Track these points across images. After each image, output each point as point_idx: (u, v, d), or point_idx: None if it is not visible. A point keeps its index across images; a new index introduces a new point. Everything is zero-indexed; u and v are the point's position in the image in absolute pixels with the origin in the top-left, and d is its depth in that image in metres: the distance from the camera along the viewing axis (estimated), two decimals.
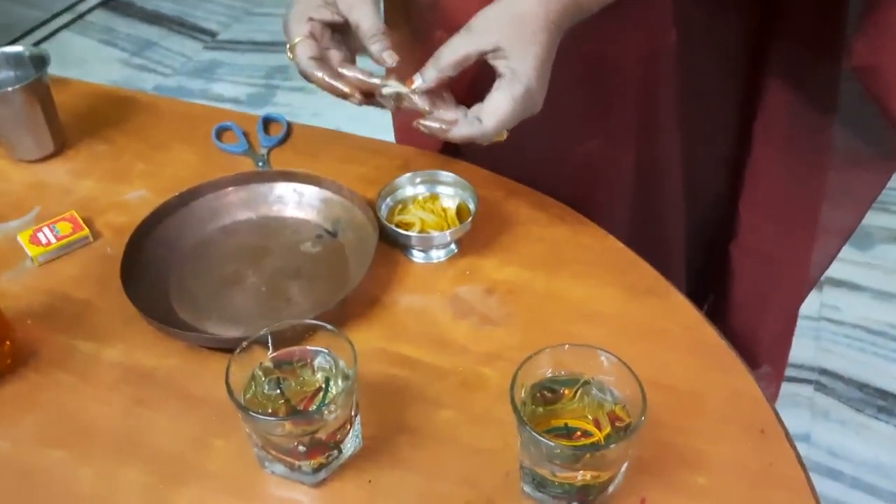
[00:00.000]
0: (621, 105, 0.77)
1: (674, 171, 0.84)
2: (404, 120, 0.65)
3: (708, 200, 0.91)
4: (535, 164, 0.80)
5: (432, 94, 0.64)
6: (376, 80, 0.65)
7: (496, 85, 0.61)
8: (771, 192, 0.86)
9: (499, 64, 0.60)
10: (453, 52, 0.61)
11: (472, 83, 0.64)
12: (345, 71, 0.66)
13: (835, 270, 1.73)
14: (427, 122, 0.63)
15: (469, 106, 0.64)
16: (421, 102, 0.63)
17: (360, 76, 0.65)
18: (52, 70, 0.84)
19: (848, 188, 0.86)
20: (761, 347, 0.93)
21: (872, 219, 1.81)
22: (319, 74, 0.65)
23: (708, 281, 0.95)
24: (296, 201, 0.79)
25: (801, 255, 0.90)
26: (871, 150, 0.83)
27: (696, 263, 0.93)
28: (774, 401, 0.87)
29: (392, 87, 0.64)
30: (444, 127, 0.63)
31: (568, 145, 0.80)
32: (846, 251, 1.77)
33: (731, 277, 0.90)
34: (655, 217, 0.86)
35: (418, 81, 0.63)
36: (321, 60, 0.65)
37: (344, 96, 0.65)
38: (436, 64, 0.62)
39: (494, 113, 0.61)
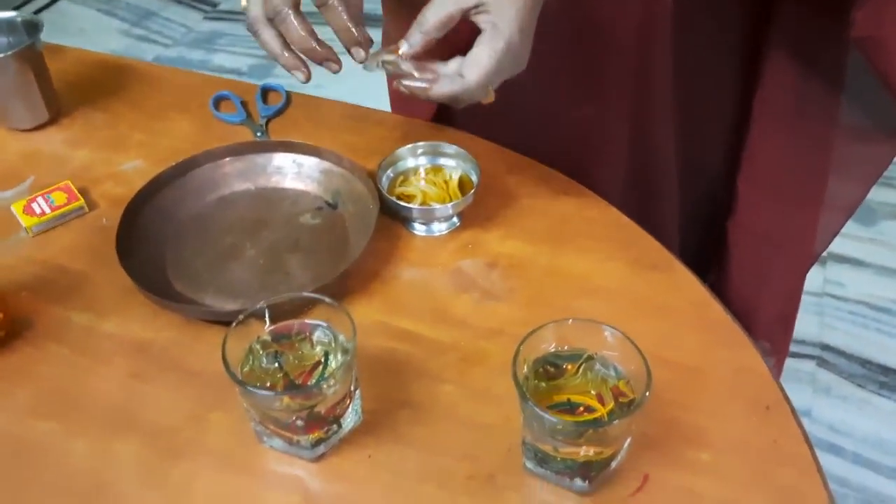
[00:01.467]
0: (615, 71, 0.75)
1: (668, 142, 0.82)
2: (398, 88, 0.63)
3: (705, 175, 0.89)
4: (528, 128, 0.79)
5: (420, 59, 0.62)
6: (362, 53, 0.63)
7: (478, 40, 0.59)
8: (771, 168, 0.84)
9: (480, 20, 0.59)
10: (436, 13, 0.59)
11: (467, 48, 0.62)
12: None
13: (838, 246, 1.72)
14: (408, 83, 0.61)
15: None
16: (408, 68, 0.61)
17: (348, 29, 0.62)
18: (51, 40, 0.82)
19: (853, 164, 0.84)
20: (760, 326, 0.91)
21: (876, 195, 1.80)
22: (296, 26, 0.61)
23: (704, 259, 0.94)
24: (295, 172, 0.77)
25: (803, 233, 0.88)
26: (877, 125, 0.81)
27: (692, 240, 0.92)
28: (777, 379, 0.85)
29: (379, 55, 0.62)
30: (425, 85, 0.61)
31: (561, 110, 0.78)
32: (850, 227, 1.75)
33: (728, 255, 0.89)
34: (649, 190, 0.85)
35: (404, 47, 0.61)
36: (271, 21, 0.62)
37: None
38: (420, 27, 0.60)
39: (475, 66, 0.59)
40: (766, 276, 0.88)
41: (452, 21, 0.60)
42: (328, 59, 0.63)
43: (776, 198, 0.84)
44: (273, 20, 0.62)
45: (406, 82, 0.62)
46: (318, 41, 0.62)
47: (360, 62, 0.63)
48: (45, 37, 0.82)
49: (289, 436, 0.55)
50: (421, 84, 0.61)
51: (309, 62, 0.64)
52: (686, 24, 0.72)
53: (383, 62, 0.62)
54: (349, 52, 0.63)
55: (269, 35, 0.62)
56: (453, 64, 0.61)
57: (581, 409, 0.53)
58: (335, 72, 0.63)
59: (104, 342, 0.64)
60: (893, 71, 0.67)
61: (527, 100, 0.75)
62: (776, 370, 1.03)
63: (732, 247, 0.87)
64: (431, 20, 0.60)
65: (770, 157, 0.82)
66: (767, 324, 0.92)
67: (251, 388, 0.52)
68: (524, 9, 0.58)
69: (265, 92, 0.89)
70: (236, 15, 2.61)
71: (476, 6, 0.58)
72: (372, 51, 0.63)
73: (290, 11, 0.61)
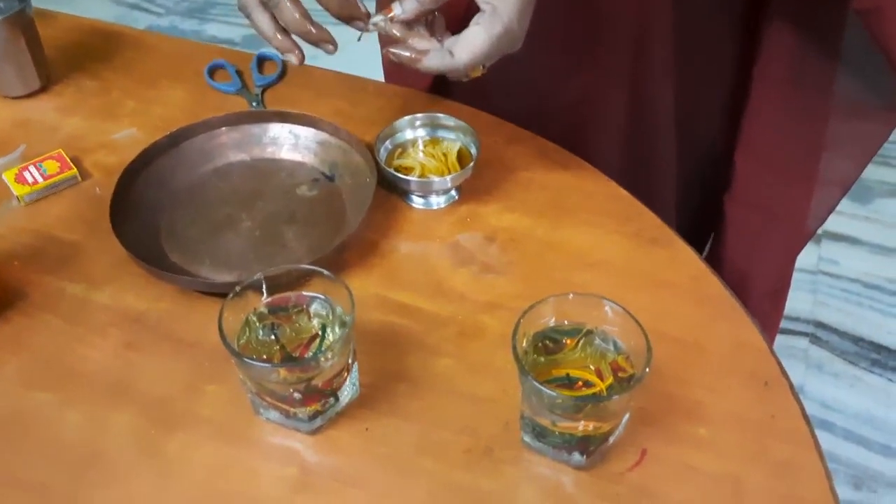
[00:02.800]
0: (613, 39, 0.75)
1: (666, 112, 0.81)
2: (388, 55, 0.62)
3: (703, 148, 0.89)
4: (526, 98, 0.78)
5: (410, 25, 0.61)
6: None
7: (475, 19, 0.58)
8: (768, 141, 0.83)
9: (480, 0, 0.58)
10: None
11: (465, 19, 0.61)
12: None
13: (834, 224, 1.72)
14: (397, 50, 0.61)
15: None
16: (396, 31, 0.61)
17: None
18: (41, 6, 0.80)
19: (849, 139, 0.84)
20: (752, 300, 0.91)
21: (872, 173, 1.80)
22: (290, 9, 0.60)
23: (701, 232, 0.94)
24: (291, 143, 0.76)
25: (798, 207, 0.87)
26: (874, 100, 0.80)
27: (689, 213, 0.91)
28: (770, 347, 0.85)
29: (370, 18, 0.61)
30: (414, 56, 0.60)
31: (559, 79, 0.78)
32: (846, 205, 1.76)
33: (724, 229, 0.88)
34: (647, 162, 0.84)
35: (397, 9, 0.60)
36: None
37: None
38: None
39: (468, 47, 0.58)
40: (761, 250, 0.88)
41: None
42: (323, 40, 0.62)
43: (772, 172, 0.84)
44: (267, 3, 0.61)
45: (395, 50, 0.61)
46: (313, 23, 0.61)
47: (360, 32, 0.62)
48: (35, 3, 0.81)
49: (286, 408, 0.54)
50: (410, 55, 0.60)
51: (302, 43, 0.63)
52: None
53: (373, 24, 0.61)
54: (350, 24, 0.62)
55: (261, 17, 0.61)
56: (446, 39, 0.60)
57: (580, 383, 0.53)
58: (331, 53, 0.63)
59: (98, 313, 0.64)
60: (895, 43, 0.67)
61: (524, 69, 0.74)
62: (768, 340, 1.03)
63: (728, 220, 0.87)
64: None
65: (767, 131, 0.82)
66: (759, 298, 0.92)
67: (248, 360, 0.51)
68: None
69: (261, 61, 0.87)
70: None
71: None
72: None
73: None
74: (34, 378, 0.60)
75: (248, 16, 0.62)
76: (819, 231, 1.71)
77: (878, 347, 1.52)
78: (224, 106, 0.81)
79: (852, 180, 0.89)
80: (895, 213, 1.75)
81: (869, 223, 1.73)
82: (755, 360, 0.60)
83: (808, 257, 1.67)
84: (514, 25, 0.57)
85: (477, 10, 0.58)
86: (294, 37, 0.62)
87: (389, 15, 0.60)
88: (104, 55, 0.88)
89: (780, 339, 1.53)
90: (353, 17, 0.61)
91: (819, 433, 1.49)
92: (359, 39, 0.63)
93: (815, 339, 1.54)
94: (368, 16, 0.62)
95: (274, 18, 0.61)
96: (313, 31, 0.61)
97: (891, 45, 0.67)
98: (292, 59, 0.63)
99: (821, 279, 1.64)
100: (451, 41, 0.60)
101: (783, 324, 1.55)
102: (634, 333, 0.51)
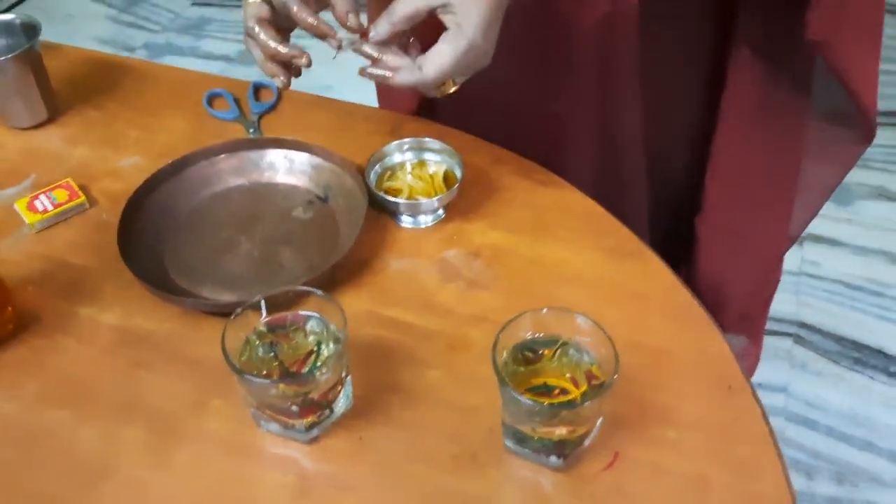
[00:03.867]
0: (580, 67, 0.78)
1: (634, 136, 0.84)
2: (362, 74, 0.68)
3: (673, 172, 0.91)
4: (504, 121, 0.82)
5: (384, 46, 0.66)
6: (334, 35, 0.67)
7: (441, 37, 0.64)
8: (738, 166, 0.85)
9: (446, 19, 0.63)
10: (405, 7, 0.64)
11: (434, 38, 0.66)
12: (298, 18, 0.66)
13: (816, 227, 1.77)
14: (372, 70, 0.66)
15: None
16: (370, 51, 0.66)
17: (311, 21, 0.66)
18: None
19: (819, 163, 0.85)
20: (730, 319, 0.92)
21: (852, 176, 1.81)
22: (263, 37, 0.66)
23: (673, 253, 0.94)
24: (287, 168, 0.81)
25: (771, 229, 0.89)
26: (841, 124, 0.81)
27: (661, 235, 0.93)
28: (751, 374, 0.85)
29: (346, 39, 0.67)
30: (387, 74, 0.66)
31: (533, 103, 0.82)
32: (827, 207, 1.78)
33: (697, 251, 0.90)
34: (618, 185, 0.87)
35: (372, 33, 0.65)
36: (268, 23, 0.67)
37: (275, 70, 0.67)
38: (389, 17, 0.64)
39: (434, 63, 0.64)
40: (734, 270, 0.90)
41: (419, 16, 0.64)
42: (293, 56, 0.67)
43: (743, 195, 0.86)
44: (251, 37, 0.67)
45: (369, 70, 0.67)
46: (283, 44, 0.66)
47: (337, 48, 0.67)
48: None
49: (284, 420, 0.59)
50: (382, 73, 0.66)
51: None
52: (652, 21, 0.75)
53: (347, 41, 0.67)
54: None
55: (255, 50, 0.68)
56: (417, 57, 0.65)
57: (557, 391, 0.57)
58: (305, 66, 0.67)
59: (108, 333, 0.68)
60: (847, 71, 0.70)
61: (501, 93, 0.79)
62: (751, 361, 1.04)
63: (701, 242, 0.89)
64: (399, 13, 0.64)
65: (737, 155, 0.84)
66: (738, 316, 0.94)
67: (249, 377, 0.56)
68: (488, 10, 0.62)
69: (257, 89, 0.92)
70: (224, 0, 2.62)
71: (443, 5, 0.62)
72: (343, 36, 0.67)
73: (254, 26, 0.66)
74: (50, 397, 0.64)
75: (248, 49, 0.68)
76: (802, 233, 1.75)
77: (860, 346, 1.57)
78: (223, 133, 0.85)
79: (826, 194, 0.91)
80: (875, 215, 1.79)
81: (850, 225, 1.78)
82: (720, 366, 0.64)
83: (791, 259, 1.70)
84: (478, 41, 0.62)
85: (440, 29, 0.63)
86: (282, 63, 0.67)
87: (366, 38, 0.66)
88: (107, 86, 0.92)
89: (765, 340, 1.57)
90: (325, 35, 0.66)
91: (803, 431, 1.53)
92: (334, 58, 0.69)
93: (798, 340, 1.58)
94: (335, 35, 0.67)
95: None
96: (281, 50, 0.66)
97: (845, 74, 0.70)
98: (276, 83, 0.68)
99: (804, 280, 1.68)
100: (420, 58, 0.65)
101: (768, 324, 1.59)
102: (604, 343, 0.56)
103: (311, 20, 0.65)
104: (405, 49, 0.67)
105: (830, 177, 0.89)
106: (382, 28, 0.65)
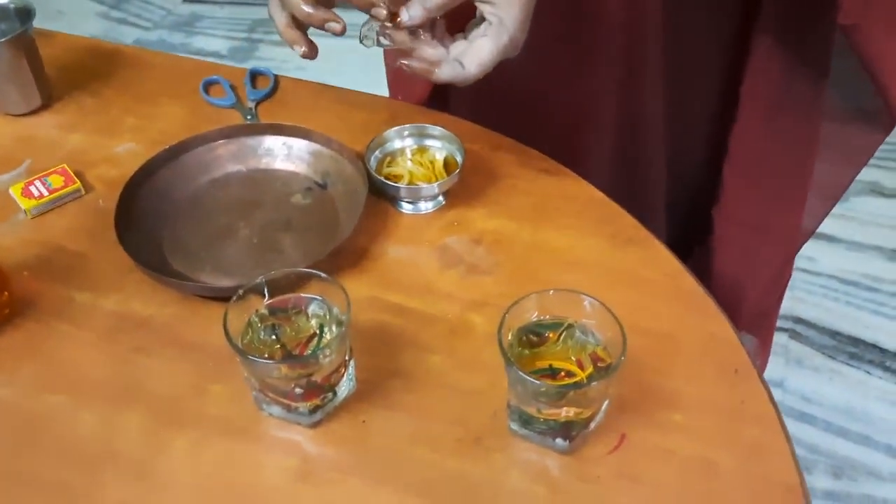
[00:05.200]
0: (604, 50, 0.78)
1: (656, 124, 0.84)
2: (398, 70, 0.66)
3: (692, 162, 0.90)
4: (520, 108, 0.81)
5: (415, 31, 0.64)
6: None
7: (482, 30, 0.62)
8: (756, 157, 0.85)
9: (485, 9, 0.62)
10: None
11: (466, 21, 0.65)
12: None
13: None
14: (412, 63, 0.64)
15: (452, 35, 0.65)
16: (400, 38, 0.64)
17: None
18: (34, 24, 0.84)
19: (837, 153, 0.85)
20: (744, 313, 0.92)
21: None
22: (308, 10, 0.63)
23: (689, 243, 0.94)
24: (285, 154, 0.80)
25: (788, 222, 0.89)
26: (859, 115, 0.81)
27: (678, 225, 0.93)
28: (762, 373, 0.85)
29: (368, 27, 0.65)
30: (428, 68, 0.64)
31: (551, 88, 0.81)
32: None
33: (713, 242, 0.90)
34: (636, 168, 0.87)
35: (404, 17, 0.63)
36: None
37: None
38: (423, 2, 0.62)
39: (478, 59, 0.62)
40: (751, 263, 0.89)
41: (455, 3, 0.62)
42: (327, 20, 0.64)
43: (761, 187, 0.86)
44: (284, 4, 0.65)
45: (407, 62, 0.64)
46: (316, 7, 0.64)
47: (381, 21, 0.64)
48: None
49: (287, 403, 0.58)
50: (422, 65, 0.64)
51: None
52: (677, 10, 0.74)
53: (380, 39, 0.64)
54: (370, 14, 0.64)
55: (279, 17, 0.66)
56: (454, 48, 0.64)
57: (562, 374, 0.56)
58: (338, 32, 0.65)
59: (106, 319, 0.67)
60: (878, 59, 0.70)
61: (522, 81, 0.77)
62: (763, 358, 1.03)
63: (717, 233, 0.88)
64: (434, 0, 0.62)
65: (755, 146, 0.83)
66: (751, 310, 0.93)
67: (252, 357, 0.55)
68: (527, 4, 0.61)
69: (254, 76, 0.91)
70: None
71: None
72: (365, 25, 0.65)
73: None
74: (48, 382, 0.63)
75: (270, 14, 0.67)
76: None
77: (856, 341, 1.57)
78: (220, 120, 0.84)
79: (842, 191, 0.90)
80: (870, 211, 1.80)
81: (845, 221, 1.78)
82: (725, 350, 0.64)
83: None
84: (517, 35, 0.61)
85: (474, 10, 0.62)
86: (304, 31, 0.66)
87: (397, 21, 0.63)
88: (103, 73, 0.91)
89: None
90: (371, 5, 0.63)
91: (800, 425, 1.54)
92: (361, 42, 0.66)
93: (794, 335, 1.58)
94: (386, 6, 0.64)
95: (287, 17, 0.66)
96: (314, 13, 0.64)
97: (872, 62, 0.69)
98: (298, 49, 0.67)
99: (799, 276, 1.68)
100: (459, 51, 0.63)
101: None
102: (611, 325, 0.55)
103: None
104: (431, 30, 0.65)
105: (845, 172, 0.89)
106: (416, 13, 0.62)
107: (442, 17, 0.65)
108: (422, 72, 0.64)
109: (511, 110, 0.81)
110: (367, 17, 0.65)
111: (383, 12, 0.63)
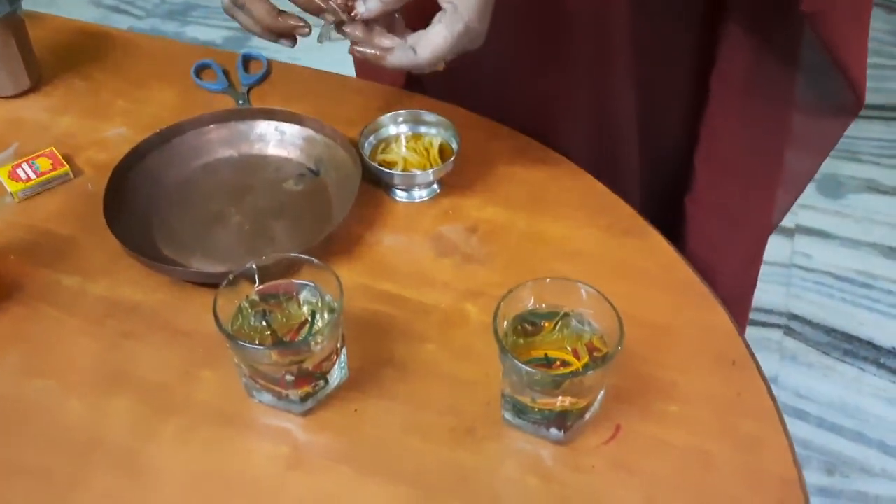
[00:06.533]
0: (573, 43, 0.77)
1: (628, 114, 0.84)
2: (364, 63, 0.65)
3: (665, 151, 0.90)
4: (495, 97, 0.81)
5: (369, 26, 0.63)
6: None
7: (437, 18, 0.61)
8: (727, 146, 0.85)
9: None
10: None
11: (427, 18, 0.64)
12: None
13: (806, 219, 1.77)
14: (362, 49, 0.63)
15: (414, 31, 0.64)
16: (353, 31, 0.63)
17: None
18: (25, 7, 0.82)
19: (804, 139, 0.85)
20: (719, 294, 0.93)
21: (843, 168, 1.85)
22: (258, 11, 0.63)
23: (664, 228, 0.95)
24: (277, 139, 0.79)
25: (759, 209, 0.89)
26: (826, 102, 0.81)
27: (653, 214, 0.93)
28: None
29: (326, 24, 0.64)
30: (378, 53, 0.63)
31: (525, 79, 0.80)
32: (817, 200, 1.81)
33: (687, 230, 0.90)
34: (611, 158, 0.86)
35: (361, 9, 0.62)
36: None
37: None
38: None
39: (430, 45, 0.61)
40: (723, 250, 0.89)
41: None
42: (294, 27, 0.64)
43: (732, 175, 0.86)
44: (238, 4, 0.64)
45: (360, 48, 0.63)
46: (280, 14, 0.64)
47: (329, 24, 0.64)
48: None
49: (279, 391, 0.57)
50: (374, 52, 0.63)
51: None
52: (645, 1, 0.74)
53: (331, 33, 0.64)
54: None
55: (243, 17, 0.65)
56: (409, 37, 0.63)
57: (557, 363, 0.56)
58: (305, 35, 0.65)
59: (95, 304, 0.66)
60: (841, 44, 0.70)
61: (492, 70, 0.77)
62: None
63: (690, 221, 0.88)
64: None
65: (726, 135, 0.83)
66: (724, 297, 0.94)
67: (242, 343, 0.54)
68: None
69: (246, 60, 0.90)
70: None
71: None
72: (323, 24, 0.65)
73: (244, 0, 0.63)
74: (34, 366, 0.62)
75: (232, 17, 0.65)
76: (792, 225, 1.76)
77: (850, 338, 1.56)
78: (211, 104, 0.83)
79: (809, 177, 0.91)
80: (865, 208, 1.80)
81: (840, 217, 1.78)
82: (723, 341, 0.63)
83: (781, 251, 1.71)
84: (474, 24, 0.60)
85: (437, 8, 0.61)
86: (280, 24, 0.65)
87: (353, 14, 0.63)
88: (93, 56, 0.90)
89: (755, 331, 1.57)
90: (320, 10, 0.63)
91: (793, 421, 1.54)
92: (319, 42, 0.66)
93: (788, 331, 1.58)
94: (338, 4, 0.63)
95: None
96: (281, 21, 0.64)
97: (835, 48, 0.70)
98: (286, 43, 0.66)
99: (794, 272, 1.68)
100: (413, 38, 0.62)
101: (758, 316, 1.59)
102: (608, 314, 0.54)
103: None
104: (390, 27, 0.64)
105: (813, 161, 0.89)
106: (373, 5, 0.62)
107: (401, 14, 0.64)
108: (373, 58, 0.63)
109: (480, 103, 0.81)
110: None
111: (331, 17, 0.63)
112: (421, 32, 0.62)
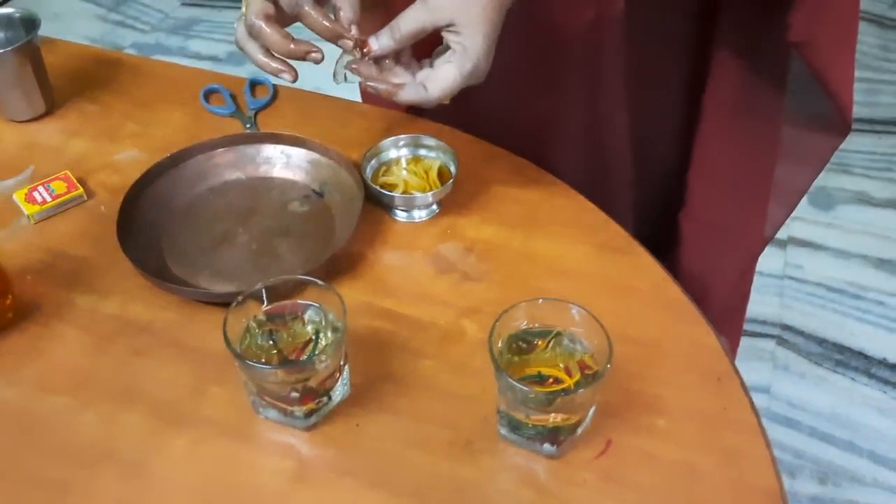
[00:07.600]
0: (567, 68, 0.80)
1: (621, 134, 0.86)
2: (366, 88, 0.68)
3: (658, 167, 0.93)
4: (493, 120, 0.84)
5: (380, 62, 0.67)
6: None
7: (447, 57, 0.65)
8: (720, 163, 0.87)
9: (451, 38, 0.64)
10: (411, 23, 0.64)
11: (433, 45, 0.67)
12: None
13: (798, 231, 1.80)
14: (375, 84, 0.67)
15: (418, 59, 0.68)
16: (367, 72, 0.67)
17: (326, 24, 0.64)
18: None
19: (796, 158, 0.88)
20: (710, 312, 0.95)
21: (834, 181, 1.88)
22: (272, 35, 0.64)
23: (658, 248, 0.97)
24: (283, 162, 0.82)
25: (751, 224, 0.91)
26: (817, 122, 0.83)
27: (647, 229, 0.94)
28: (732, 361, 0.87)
29: (343, 59, 0.68)
30: (391, 89, 0.66)
31: (522, 103, 0.84)
32: (809, 212, 1.84)
33: (680, 245, 0.92)
34: (605, 177, 0.89)
35: (374, 45, 0.65)
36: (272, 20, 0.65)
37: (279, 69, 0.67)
38: (392, 33, 0.65)
39: (441, 84, 0.65)
40: (716, 265, 0.92)
41: (424, 34, 0.65)
42: (308, 52, 0.66)
43: (725, 192, 0.88)
44: (252, 34, 0.66)
45: (373, 84, 0.67)
46: (294, 41, 0.66)
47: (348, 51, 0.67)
48: None
49: (284, 407, 0.60)
50: (386, 87, 0.66)
51: (296, 63, 0.68)
52: (638, 25, 0.76)
53: (346, 74, 0.68)
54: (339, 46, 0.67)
55: (252, 48, 0.67)
56: (420, 73, 0.66)
57: (550, 380, 0.58)
58: (318, 61, 0.67)
59: (107, 322, 0.69)
60: (828, 70, 0.73)
61: (490, 93, 0.80)
62: (730, 354, 1.06)
63: (684, 237, 0.91)
64: (405, 30, 0.64)
65: (718, 154, 0.86)
66: (717, 310, 0.95)
67: (250, 362, 0.57)
68: (491, 33, 0.63)
69: (253, 85, 0.93)
70: (214, 1, 2.62)
71: (449, 25, 0.63)
72: (338, 62, 0.68)
73: (261, 23, 0.65)
74: (50, 383, 0.65)
75: (242, 50, 0.68)
76: (785, 237, 1.79)
77: (842, 348, 1.59)
78: (219, 128, 0.86)
79: (801, 194, 0.93)
80: (856, 220, 1.83)
81: (831, 229, 1.81)
82: (709, 358, 0.66)
83: (774, 262, 1.74)
84: (482, 64, 0.64)
85: (440, 38, 0.64)
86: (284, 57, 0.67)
87: (366, 49, 0.66)
88: (104, 81, 0.93)
89: (748, 342, 1.59)
90: (340, 37, 0.66)
91: (786, 431, 1.56)
92: (335, 81, 0.70)
93: (781, 341, 1.60)
94: (353, 38, 0.66)
95: (262, 47, 0.67)
96: (294, 47, 0.66)
97: (822, 75, 0.72)
98: (286, 77, 0.68)
99: (787, 283, 1.71)
100: (424, 75, 0.66)
101: (752, 326, 1.62)
102: (598, 334, 0.57)
103: (325, 22, 0.64)
104: (397, 56, 0.68)
105: (804, 178, 0.91)
106: (385, 43, 0.65)
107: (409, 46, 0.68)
108: (385, 93, 0.67)
109: (485, 125, 0.84)
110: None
111: (349, 43, 0.66)
112: (431, 71, 0.65)
